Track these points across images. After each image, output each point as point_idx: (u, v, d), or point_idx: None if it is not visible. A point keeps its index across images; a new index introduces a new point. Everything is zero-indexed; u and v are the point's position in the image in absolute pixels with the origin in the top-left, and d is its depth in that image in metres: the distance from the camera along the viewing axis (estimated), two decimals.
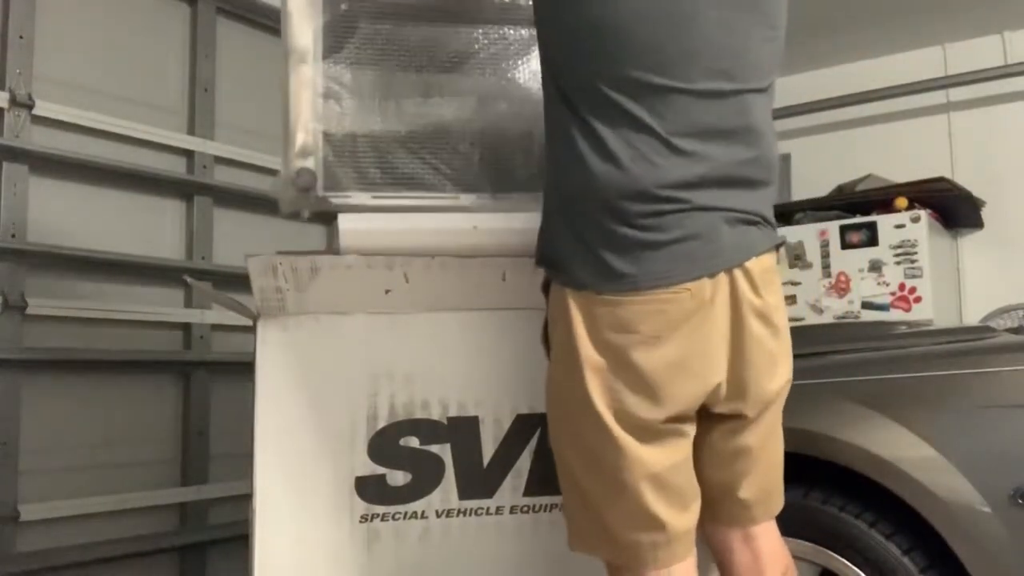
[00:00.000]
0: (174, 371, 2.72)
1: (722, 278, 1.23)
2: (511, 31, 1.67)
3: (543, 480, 1.58)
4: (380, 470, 1.53)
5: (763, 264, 1.28)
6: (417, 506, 1.54)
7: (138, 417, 2.61)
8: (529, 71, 1.67)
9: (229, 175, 2.90)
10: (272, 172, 3.02)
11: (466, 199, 1.60)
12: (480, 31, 1.66)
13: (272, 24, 3.07)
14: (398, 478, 1.54)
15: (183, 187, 2.78)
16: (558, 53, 1.28)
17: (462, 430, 1.56)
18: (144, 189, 2.68)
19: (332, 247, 1.53)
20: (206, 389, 2.75)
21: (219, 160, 2.87)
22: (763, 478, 1.34)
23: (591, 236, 1.23)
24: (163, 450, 2.67)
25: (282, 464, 1.50)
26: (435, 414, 1.56)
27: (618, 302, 1.20)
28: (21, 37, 2.38)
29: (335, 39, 1.59)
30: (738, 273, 1.24)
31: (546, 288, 1.34)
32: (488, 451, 1.57)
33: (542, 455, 1.59)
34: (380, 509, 1.53)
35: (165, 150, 2.75)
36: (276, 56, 3.17)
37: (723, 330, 1.24)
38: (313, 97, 1.55)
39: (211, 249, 2.82)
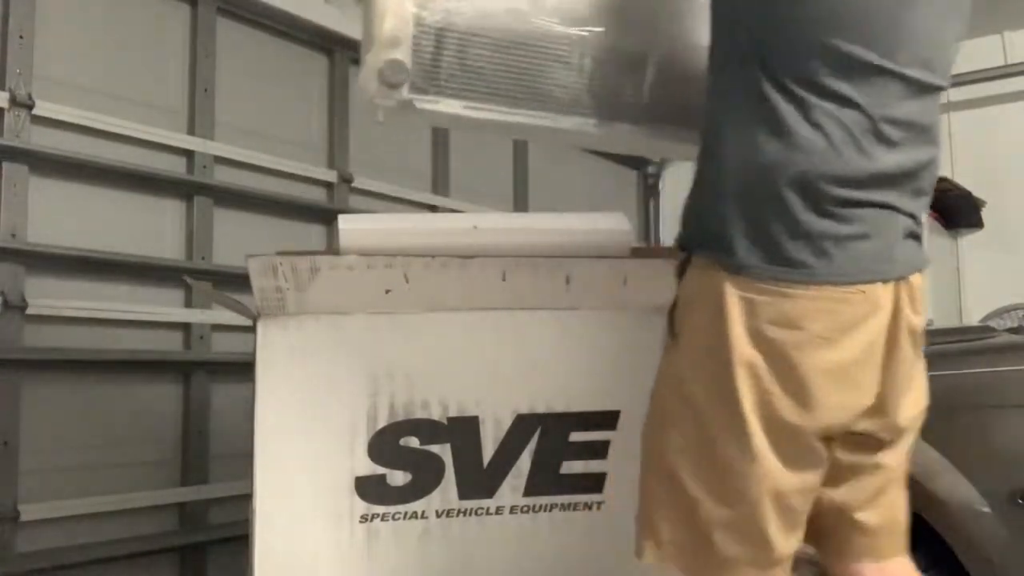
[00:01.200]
0: (174, 371, 2.72)
1: (891, 287, 1.14)
2: None
3: (543, 480, 1.58)
4: (380, 470, 1.53)
5: (918, 281, 1.19)
6: (417, 506, 1.54)
7: (138, 417, 2.60)
8: None
9: (229, 175, 2.89)
10: (272, 172, 3.02)
11: (566, 122, 1.40)
12: None
13: (272, 24, 3.08)
14: (398, 478, 1.54)
15: (183, 187, 2.78)
16: (763, 18, 1.15)
17: (462, 430, 1.56)
18: (144, 189, 2.67)
19: (332, 247, 1.53)
20: (206, 389, 2.75)
21: (219, 160, 2.87)
22: (887, 508, 1.24)
23: (769, 216, 1.11)
24: (163, 450, 2.67)
25: (282, 464, 1.50)
26: (435, 414, 1.55)
27: (786, 294, 1.09)
28: (21, 37, 2.38)
29: None
30: (903, 286, 1.15)
31: (681, 270, 1.23)
32: (488, 451, 1.57)
33: (542, 455, 1.59)
34: (380, 509, 1.53)
35: (165, 150, 2.74)
36: (276, 56, 3.18)
37: (882, 343, 1.14)
38: None
39: (211, 249, 2.81)
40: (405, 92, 1.30)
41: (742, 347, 1.10)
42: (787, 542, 1.15)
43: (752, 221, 1.12)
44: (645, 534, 1.21)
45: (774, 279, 1.10)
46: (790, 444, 1.11)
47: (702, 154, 1.23)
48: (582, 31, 1.38)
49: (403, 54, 1.28)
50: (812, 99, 1.11)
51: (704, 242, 1.18)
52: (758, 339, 1.10)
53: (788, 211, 1.10)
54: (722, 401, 1.12)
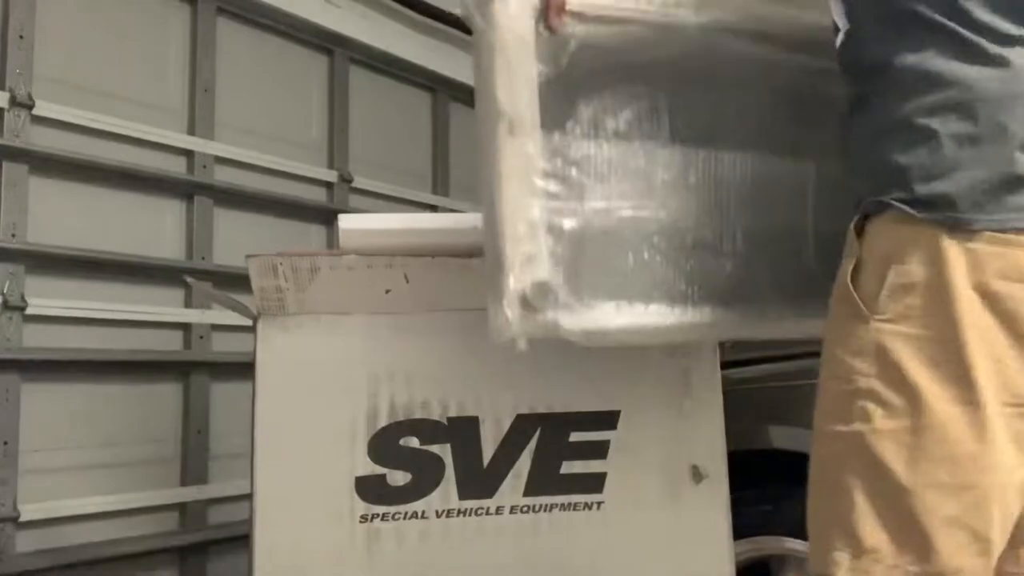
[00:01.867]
0: (174, 371, 2.72)
1: None
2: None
3: (543, 480, 1.58)
4: (380, 470, 1.53)
5: None
6: (417, 506, 1.54)
7: (138, 417, 2.60)
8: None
9: (229, 175, 2.89)
10: (272, 172, 3.02)
11: (730, 315, 1.24)
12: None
13: (272, 24, 3.07)
14: (398, 478, 1.54)
15: (183, 187, 2.77)
16: None
17: (462, 430, 1.56)
18: (144, 189, 2.67)
19: (332, 247, 1.53)
20: (206, 389, 2.75)
21: (219, 160, 2.86)
22: None
23: (989, 156, 1.01)
24: (163, 450, 2.67)
25: (282, 464, 1.50)
26: (435, 414, 1.56)
27: (1015, 242, 0.99)
28: (21, 37, 2.38)
29: (560, 101, 1.16)
30: None
31: (860, 229, 1.11)
32: (488, 451, 1.57)
33: (542, 455, 1.59)
34: (380, 509, 1.53)
35: (165, 150, 2.74)
36: (276, 56, 3.17)
37: None
38: (532, 181, 1.12)
39: (211, 249, 2.81)
40: (550, 313, 1.14)
41: (970, 305, 0.99)
42: (993, 558, 1.00)
43: (969, 163, 1.02)
44: (838, 542, 1.03)
45: (1000, 227, 1.00)
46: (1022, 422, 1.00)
47: (882, 100, 1.11)
48: (729, 215, 1.25)
49: (544, 271, 1.12)
50: (1012, 30, 1.04)
51: (902, 194, 1.05)
52: (986, 296, 1.00)
53: (1009, 149, 1.01)
54: (946, 371, 0.99)
